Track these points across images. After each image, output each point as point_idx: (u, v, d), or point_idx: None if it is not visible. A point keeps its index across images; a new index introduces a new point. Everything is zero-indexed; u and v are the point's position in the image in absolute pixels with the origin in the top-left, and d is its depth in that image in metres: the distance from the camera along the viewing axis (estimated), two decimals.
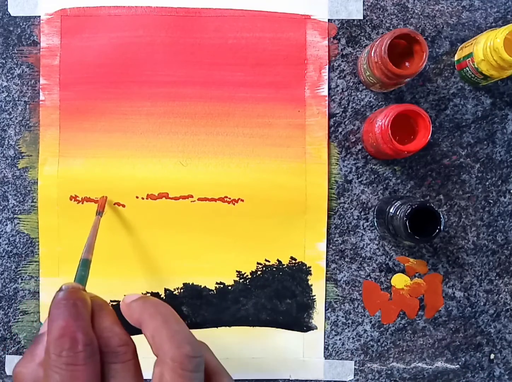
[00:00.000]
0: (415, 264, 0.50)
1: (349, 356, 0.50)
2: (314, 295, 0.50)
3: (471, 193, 0.50)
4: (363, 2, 0.49)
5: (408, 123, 0.46)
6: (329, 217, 0.50)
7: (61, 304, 0.27)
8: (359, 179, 0.50)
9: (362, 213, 0.50)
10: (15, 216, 0.50)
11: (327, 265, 0.50)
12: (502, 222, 0.50)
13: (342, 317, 0.50)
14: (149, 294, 0.50)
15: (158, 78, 0.49)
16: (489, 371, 0.51)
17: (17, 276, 0.50)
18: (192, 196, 0.49)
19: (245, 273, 0.50)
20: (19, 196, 0.50)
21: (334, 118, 0.50)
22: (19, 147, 0.50)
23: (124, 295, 0.31)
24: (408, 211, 0.42)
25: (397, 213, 0.44)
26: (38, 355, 0.27)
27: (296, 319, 0.50)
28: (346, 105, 0.50)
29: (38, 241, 0.49)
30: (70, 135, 0.49)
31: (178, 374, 0.25)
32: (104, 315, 0.28)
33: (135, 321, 0.28)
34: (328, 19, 0.49)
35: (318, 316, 0.50)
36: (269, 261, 0.50)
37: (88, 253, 0.37)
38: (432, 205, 0.43)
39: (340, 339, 0.50)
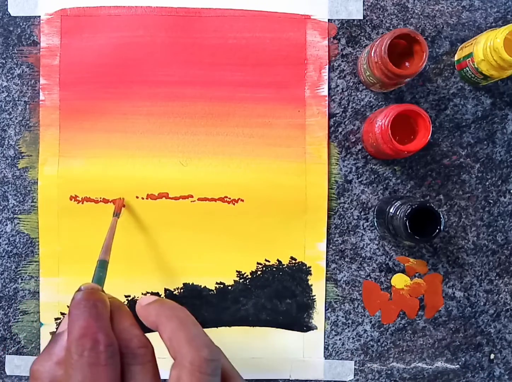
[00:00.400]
0: (415, 264, 0.50)
1: (349, 356, 0.50)
2: (314, 295, 0.50)
3: (471, 193, 0.50)
4: (363, 2, 0.49)
5: (408, 123, 0.46)
6: (329, 217, 0.50)
7: (81, 305, 0.27)
8: (359, 179, 0.50)
9: (362, 213, 0.50)
10: (15, 216, 0.50)
11: (327, 265, 0.50)
12: (502, 222, 0.50)
13: (342, 317, 0.50)
14: (149, 294, 0.50)
15: (158, 78, 0.49)
16: (489, 371, 0.51)
17: (17, 276, 0.50)
18: (192, 196, 0.49)
19: (245, 273, 0.50)
20: (19, 196, 0.50)
21: (334, 118, 0.50)
22: (19, 147, 0.50)
23: (139, 297, 0.31)
24: (408, 211, 0.42)
25: (397, 213, 0.44)
26: (55, 354, 0.27)
27: (296, 319, 0.50)
28: (346, 105, 0.50)
29: (38, 241, 0.49)
30: (70, 135, 0.49)
31: (196, 377, 0.25)
32: (123, 316, 0.28)
33: (151, 324, 0.29)
34: (328, 19, 0.49)
35: (318, 316, 0.50)
36: (269, 261, 0.50)
37: (105, 254, 0.38)
38: (432, 205, 0.43)
39: (340, 339, 0.50)
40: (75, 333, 0.26)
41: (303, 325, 0.50)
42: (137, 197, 0.49)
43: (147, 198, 0.49)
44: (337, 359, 0.50)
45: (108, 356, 0.25)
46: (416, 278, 0.50)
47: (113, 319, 0.28)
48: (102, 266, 0.36)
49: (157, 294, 0.50)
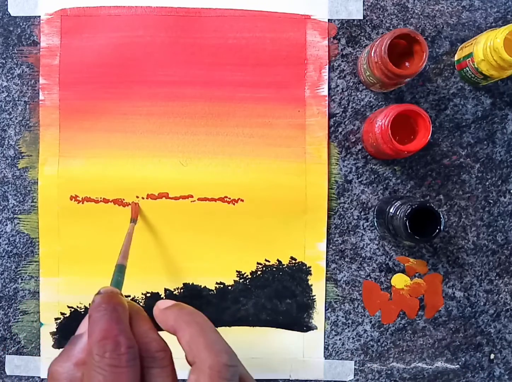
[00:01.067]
0: (415, 264, 0.50)
1: (349, 356, 0.50)
2: (314, 295, 0.50)
3: (471, 193, 0.50)
4: (363, 2, 0.49)
5: (408, 123, 0.46)
6: (329, 217, 0.50)
7: (101, 308, 0.27)
8: (359, 179, 0.50)
9: (362, 213, 0.50)
10: (15, 216, 0.50)
11: (327, 265, 0.50)
12: (502, 222, 0.50)
13: (342, 317, 0.50)
14: (149, 294, 0.50)
15: (158, 78, 0.49)
16: (489, 371, 0.51)
17: (17, 276, 0.50)
18: (192, 196, 0.49)
19: (245, 273, 0.50)
20: (19, 196, 0.50)
21: (334, 118, 0.50)
22: (19, 147, 0.50)
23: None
24: (408, 211, 0.42)
25: (397, 213, 0.44)
26: (74, 356, 0.27)
27: (296, 319, 0.50)
28: (346, 105, 0.50)
29: (38, 241, 0.49)
30: (70, 135, 0.49)
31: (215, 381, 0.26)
32: (141, 320, 0.28)
33: (169, 328, 0.29)
34: (328, 19, 0.49)
35: (318, 316, 0.50)
36: (269, 261, 0.50)
37: (123, 259, 0.38)
38: (432, 205, 0.43)
39: (340, 339, 0.50)
40: (96, 335, 0.26)
41: (303, 325, 0.50)
42: (137, 197, 0.49)
43: (147, 198, 0.49)
44: (337, 359, 0.50)
45: (129, 358, 0.25)
46: (416, 278, 0.50)
47: (132, 323, 0.28)
48: (120, 270, 0.36)
49: (157, 294, 0.50)
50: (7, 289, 0.50)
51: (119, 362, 0.25)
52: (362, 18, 0.49)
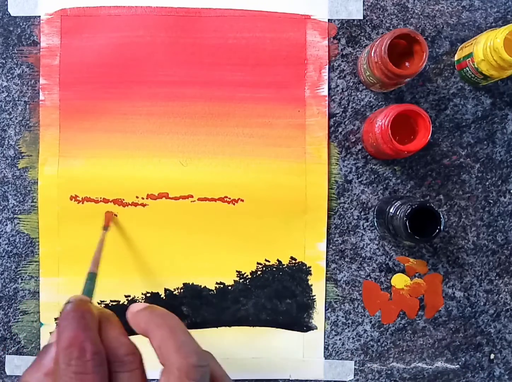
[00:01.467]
0: (415, 264, 0.50)
1: (349, 356, 0.50)
2: (314, 295, 0.50)
3: (471, 193, 0.50)
4: (363, 2, 0.49)
5: (408, 123, 0.46)
6: (329, 217, 0.50)
7: (69, 316, 0.27)
8: (359, 179, 0.50)
9: (362, 213, 0.50)
10: (15, 216, 0.50)
11: (327, 265, 0.50)
12: (502, 222, 0.50)
13: (342, 317, 0.50)
14: (149, 294, 0.50)
15: (158, 78, 0.49)
16: (489, 371, 0.51)
17: (17, 276, 0.50)
18: (192, 196, 0.49)
19: (245, 273, 0.50)
20: (19, 196, 0.50)
21: (334, 118, 0.50)
22: (19, 147, 0.50)
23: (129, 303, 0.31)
24: (408, 211, 0.42)
25: (397, 213, 0.44)
26: (45, 365, 0.27)
27: (296, 319, 0.50)
28: (346, 105, 0.50)
29: (38, 241, 0.49)
30: (70, 135, 0.49)
31: None
32: (111, 326, 0.29)
33: (141, 330, 0.29)
34: (328, 19, 0.49)
35: (318, 316, 0.50)
36: (269, 261, 0.50)
37: (94, 267, 0.38)
38: (432, 205, 0.43)
39: (340, 339, 0.50)
40: (63, 343, 0.26)
41: (303, 325, 0.50)
42: (137, 197, 0.49)
43: (147, 198, 0.49)
44: (337, 359, 0.50)
45: (95, 364, 0.25)
46: (416, 278, 0.50)
47: (102, 329, 0.28)
48: (91, 278, 0.37)
49: (157, 294, 0.50)
50: (7, 289, 0.50)
51: (84, 369, 0.25)
52: (362, 18, 0.49)
